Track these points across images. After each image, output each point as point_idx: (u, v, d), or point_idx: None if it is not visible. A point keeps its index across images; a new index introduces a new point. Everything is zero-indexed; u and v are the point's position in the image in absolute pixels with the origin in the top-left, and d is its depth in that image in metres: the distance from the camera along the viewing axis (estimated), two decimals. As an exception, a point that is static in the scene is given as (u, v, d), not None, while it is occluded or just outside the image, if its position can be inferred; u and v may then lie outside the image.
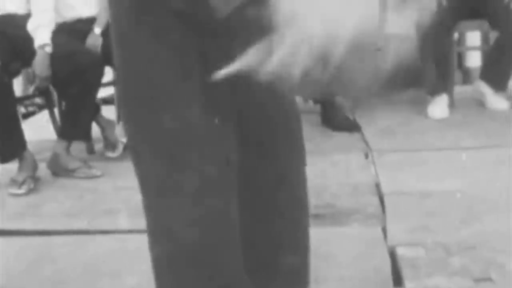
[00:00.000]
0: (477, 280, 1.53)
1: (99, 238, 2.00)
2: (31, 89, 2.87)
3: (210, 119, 1.03)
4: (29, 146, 2.65)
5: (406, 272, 1.59)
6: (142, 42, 1.04)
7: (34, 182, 2.56)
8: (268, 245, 1.14)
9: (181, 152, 1.02)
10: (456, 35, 4.89)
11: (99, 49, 2.73)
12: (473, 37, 4.52)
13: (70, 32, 2.76)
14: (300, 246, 1.20)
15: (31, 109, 4.11)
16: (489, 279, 1.53)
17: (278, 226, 1.15)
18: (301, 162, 1.17)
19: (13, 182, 2.52)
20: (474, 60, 5.14)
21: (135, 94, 1.07)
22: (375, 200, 2.13)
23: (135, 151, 1.07)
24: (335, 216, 2.04)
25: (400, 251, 1.70)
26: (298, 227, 1.20)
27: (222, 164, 1.02)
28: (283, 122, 1.16)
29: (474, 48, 4.61)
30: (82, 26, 2.80)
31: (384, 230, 1.88)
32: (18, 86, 3.40)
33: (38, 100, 3.65)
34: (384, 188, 2.20)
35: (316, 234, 1.87)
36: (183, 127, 1.02)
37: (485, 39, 3.78)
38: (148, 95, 1.04)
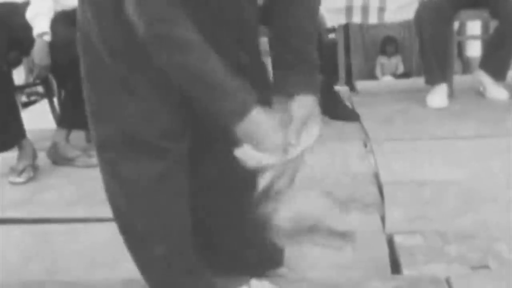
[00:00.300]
0: (474, 268, 1.54)
1: (98, 226, 2.00)
2: (31, 78, 2.86)
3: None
4: (29, 135, 2.65)
5: (403, 260, 1.60)
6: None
7: (33, 171, 2.56)
8: None
9: None
10: (456, 24, 4.90)
11: (98, 37, 2.73)
12: (474, 27, 4.52)
13: (69, 21, 2.73)
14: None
15: (32, 98, 4.11)
16: (486, 267, 1.54)
17: None
18: None
19: (13, 170, 2.53)
20: (474, 49, 5.14)
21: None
22: (374, 189, 2.13)
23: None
24: (335, 205, 2.04)
25: (398, 239, 1.71)
26: None
27: None
28: None
29: (474, 37, 4.61)
30: (81, 15, 2.79)
31: (382, 219, 1.89)
32: (19, 75, 3.41)
33: (39, 89, 3.64)
34: (383, 177, 2.20)
35: (315, 222, 1.91)
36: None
37: (485, 28, 3.77)
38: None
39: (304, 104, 1.16)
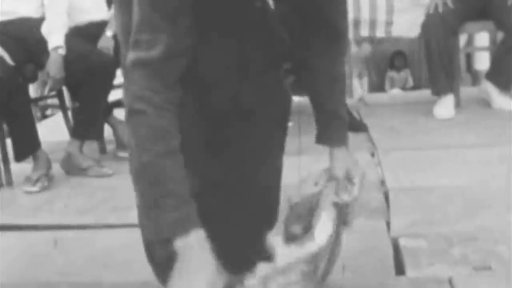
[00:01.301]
0: (477, 269, 1.57)
1: (109, 232, 2.06)
2: (45, 91, 2.93)
3: None
4: (44, 146, 2.72)
5: (408, 261, 1.64)
6: None
7: (48, 180, 2.63)
8: None
9: None
10: (465, 37, 4.94)
11: (111, 51, 2.80)
12: (482, 39, 4.56)
13: (83, 35, 2.84)
14: None
15: (47, 112, 4.19)
16: (488, 268, 1.56)
17: None
18: None
19: (28, 180, 2.59)
20: (482, 63, 5.17)
21: None
22: (380, 195, 2.17)
23: None
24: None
25: (403, 242, 1.74)
26: None
27: None
28: None
29: (482, 49, 4.64)
30: (94, 29, 2.87)
31: (387, 223, 1.92)
32: (32, 89, 3.49)
33: (54, 101, 3.72)
34: (389, 184, 2.24)
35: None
36: None
37: (493, 40, 3.81)
38: None
39: (341, 158, 1.33)
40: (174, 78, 1.06)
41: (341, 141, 1.35)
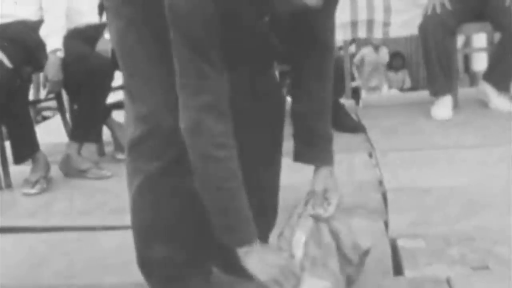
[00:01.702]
0: (475, 268, 1.57)
1: (108, 233, 2.07)
2: (43, 93, 2.94)
3: None
4: (42, 148, 2.73)
5: (406, 262, 1.64)
6: None
7: (46, 183, 2.63)
8: None
9: None
10: (462, 38, 4.95)
11: (109, 54, 2.81)
12: (479, 40, 4.57)
13: (81, 38, 2.85)
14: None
15: (45, 113, 4.19)
16: (486, 267, 1.57)
17: None
18: None
19: (27, 182, 2.60)
20: (480, 64, 5.19)
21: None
22: (378, 196, 2.17)
23: None
24: (340, 212, 2.08)
25: (401, 243, 1.75)
26: None
27: None
28: None
29: (480, 50, 4.65)
30: (92, 32, 2.88)
31: (386, 224, 1.93)
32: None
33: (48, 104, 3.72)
34: (387, 185, 2.24)
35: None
36: None
37: (490, 41, 3.82)
38: None
39: (322, 177, 1.37)
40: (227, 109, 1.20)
41: (327, 161, 1.39)
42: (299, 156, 1.39)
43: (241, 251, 1.25)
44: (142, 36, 1.30)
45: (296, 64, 1.37)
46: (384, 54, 7.50)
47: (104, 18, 1.45)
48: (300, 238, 1.34)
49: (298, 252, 1.32)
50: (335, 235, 1.39)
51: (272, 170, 1.52)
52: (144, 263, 1.44)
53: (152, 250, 1.40)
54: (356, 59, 7.37)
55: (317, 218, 1.36)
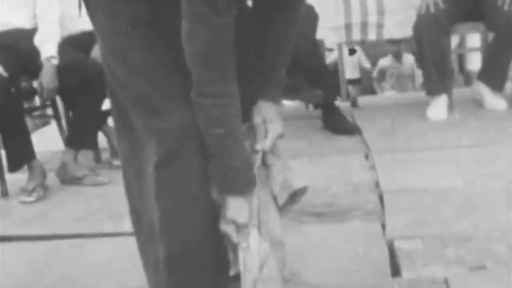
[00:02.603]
0: (472, 268, 1.57)
1: (105, 241, 2.07)
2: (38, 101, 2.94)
3: None
4: (38, 156, 2.73)
5: (403, 263, 1.64)
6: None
7: (43, 190, 2.63)
8: None
9: None
10: (457, 38, 4.97)
11: (104, 60, 2.81)
12: (473, 40, 4.59)
13: (76, 45, 2.85)
14: None
15: (40, 121, 4.19)
16: (483, 267, 1.57)
17: None
18: None
19: (23, 190, 2.60)
20: (474, 63, 5.20)
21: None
22: (375, 197, 2.18)
23: None
24: (336, 214, 2.09)
25: (398, 244, 1.75)
26: None
27: None
28: None
29: (474, 50, 4.67)
30: (87, 39, 2.87)
31: (383, 225, 1.93)
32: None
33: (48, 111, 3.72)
34: (383, 186, 2.25)
35: (319, 230, 1.96)
36: None
37: (484, 41, 3.84)
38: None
39: (262, 109, 1.34)
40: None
41: (271, 96, 1.36)
42: (246, 91, 1.32)
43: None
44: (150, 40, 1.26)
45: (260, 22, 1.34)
46: (409, 63, 6.26)
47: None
48: None
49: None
50: (267, 169, 1.34)
51: None
52: None
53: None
54: (376, 72, 6.49)
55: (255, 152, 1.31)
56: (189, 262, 1.29)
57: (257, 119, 1.33)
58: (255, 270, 1.25)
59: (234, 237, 1.25)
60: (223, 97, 1.19)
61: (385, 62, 6.42)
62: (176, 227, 1.27)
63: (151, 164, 1.25)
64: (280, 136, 1.34)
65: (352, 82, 6.32)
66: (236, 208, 1.24)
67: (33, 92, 2.82)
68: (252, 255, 1.25)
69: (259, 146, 1.31)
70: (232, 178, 1.23)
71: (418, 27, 3.16)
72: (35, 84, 2.77)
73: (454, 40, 4.44)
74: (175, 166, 1.23)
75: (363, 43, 4.38)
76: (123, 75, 1.29)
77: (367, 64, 6.73)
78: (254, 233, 1.26)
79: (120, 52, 1.28)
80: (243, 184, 1.25)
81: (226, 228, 1.25)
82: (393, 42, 5.67)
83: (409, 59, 6.26)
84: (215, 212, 1.28)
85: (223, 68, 1.18)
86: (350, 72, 6.02)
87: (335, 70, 4.01)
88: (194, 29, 1.15)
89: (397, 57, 6.28)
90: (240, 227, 1.25)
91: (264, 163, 1.33)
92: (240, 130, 1.24)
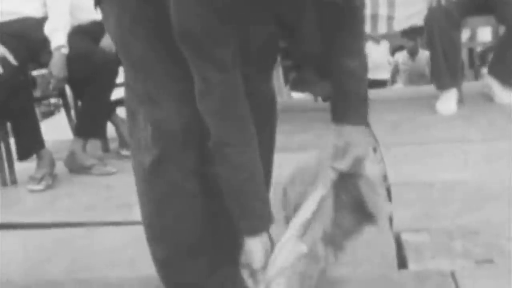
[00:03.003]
0: (479, 262, 1.57)
1: (114, 229, 2.08)
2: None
3: None
4: (47, 145, 2.75)
5: (410, 256, 1.64)
6: None
7: (52, 179, 2.65)
8: None
9: None
10: (468, 32, 4.93)
11: (113, 49, 2.81)
12: (484, 34, 4.55)
13: (85, 34, 2.85)
14: None
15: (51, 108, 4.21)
16: (490, 261, 1.57)
17: None
18: None
19: (32, 179, 2.61)
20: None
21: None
22: (382, 190, 2.17)
23: None
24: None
25: (405, 237, 1.75)
26: None
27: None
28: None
29: (485, 44, 4.64)
30: (96, 28, 2.88)
31: (390, 218, 1.92)
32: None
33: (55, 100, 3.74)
34: (391, 179, 2.24)
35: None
36: None
37: (495, 35, 3.81)
38: None
39: (345, 132, 1.33)
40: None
41: (357, 119, 1.34)
42: (335, 117, 1.36)
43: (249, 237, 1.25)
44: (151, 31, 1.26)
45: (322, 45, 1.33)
46: (423, 60, 6.06)
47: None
48: (317, 195, 1.29)
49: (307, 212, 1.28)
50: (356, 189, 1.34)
51: (265, 170, 1.50)
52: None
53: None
54: (391, 67, 6.29)
55: (335, 170, 1.30)
56: (182, 264, 1.33)
57: (337, 141, 1.33)
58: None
59: (250, 284, 1.26)
60: (243, 144, 1.21)
61: (399, 57, 6.29)
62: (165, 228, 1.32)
63: (146, 159, 1.29)
64: (360, 160, 1.35)
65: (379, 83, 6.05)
66: (251, 252, 1.25)
67: (33, 82, 2.82)
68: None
69: (336, 165, 1.31)
70: (250, 218, 1.25)
71: (429, 20, 3.14)
72: (34, 73, 2.78)
73: (465, 34, 4.40)
74: (168, 170, 1.27)
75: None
76: (126, 67, 1.33)
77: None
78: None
79: (123, 45, 1.31)
80: (262, 223, 1.26)
81: (243, 271, 1.27)
82: (409, 37, 5.56)
83: (425, 55, 6.05)
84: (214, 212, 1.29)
85: (240, 118, 1.19)
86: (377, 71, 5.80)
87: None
88: (206, 90, 1.16)
89: (413, 53, 6.13)
90: (254, 272, 1.25)
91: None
92: (261, 171, 1.24)
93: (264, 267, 1.24)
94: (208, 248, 1.33)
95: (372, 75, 4.93)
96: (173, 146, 1.26)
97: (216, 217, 1.32)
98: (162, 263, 1.36)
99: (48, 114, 4.22)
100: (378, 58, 6.12)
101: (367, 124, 1.36)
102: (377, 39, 6.04)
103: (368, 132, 1.36)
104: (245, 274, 1.26)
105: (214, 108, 1.18)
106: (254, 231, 1.24)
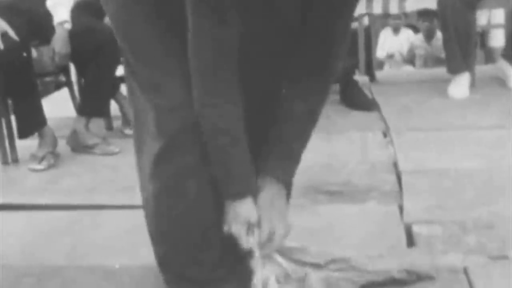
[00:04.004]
0: (493, 258, 1.52)
1: (116, 212, 2.03)
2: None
3: None
4: (49, 123, 2.68)
5: (421, 249, 1.59)
6: None
7: (54, 158, 2.60)
8: None
9: None
10: (480, 13, 4.82)
11: (117, 26, 2.74)
12: (497, 15, 4.44)
13: (89, 10, 2.77)
14: None
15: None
16: (505, 257, 1.52)
17: None
18: None
19: (33, 157, 2.56)
20: (497, 39, 5.05)
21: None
22: (392, 178, 2.12)
23: None
24: (352, 194, 2.04)
25: (416, 229, 1.69)
26: None
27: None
28: None
29: (498, 26, 4.53)
30: (100, 4, 2.80)
31: (400, 208, 1.87)
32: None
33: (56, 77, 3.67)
34: (402, 167, 2.18)
35: (334, 211, 1.90)
36: None
37: (509, 17, 3.70)
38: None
39: (266, 203, 1.24)
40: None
41: (282, 178, 1.27)
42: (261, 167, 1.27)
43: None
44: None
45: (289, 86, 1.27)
46: (440, 43, 5.61)
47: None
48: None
49: None
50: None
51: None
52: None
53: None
54: (405, 51, 5.90)
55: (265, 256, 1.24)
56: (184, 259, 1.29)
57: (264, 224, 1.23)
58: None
59: (244, 240, 1.21)
60: (229, 106, 1.17)
61: (415, 40, 5.89)
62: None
63: (149, 148, 1.24)
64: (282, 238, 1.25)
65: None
66: (235, 215, 1.21)
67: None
68: None
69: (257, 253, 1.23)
70: (233, 182, 1.21)
71: (443, 2, 3.05)
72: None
73: (483, 16, 4.27)
74: (174, 162, 1.22)
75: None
76: (125, 49, 1.29)
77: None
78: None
79: (121, 26, 1.27)
80: (248, 188, 1.22)
81: (236, 230, 1.22)
82: (425, 18, 5.34)
83: (438, 44, 5.42)
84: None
85: (228, 78, 1.15)
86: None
87: (353, 41, 3.90)
88: (200, 41, 1.12)
89: (429, 35, 5.90)
90: (251, 227, 1.22)
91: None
92: (245, 137, 1.20)
93: (251, 228, 1.21)
94: (216, 241, 1.27)
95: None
96: (181, 133, 1.20)
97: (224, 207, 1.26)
98: (166, 257, 1.31)
99: (50, 90, 4.15)
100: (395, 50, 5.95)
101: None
102: (397, 27, 5.74)
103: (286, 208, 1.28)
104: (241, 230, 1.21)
105: (206, 63, 1.13)
106: (237, 195, 1.21)
